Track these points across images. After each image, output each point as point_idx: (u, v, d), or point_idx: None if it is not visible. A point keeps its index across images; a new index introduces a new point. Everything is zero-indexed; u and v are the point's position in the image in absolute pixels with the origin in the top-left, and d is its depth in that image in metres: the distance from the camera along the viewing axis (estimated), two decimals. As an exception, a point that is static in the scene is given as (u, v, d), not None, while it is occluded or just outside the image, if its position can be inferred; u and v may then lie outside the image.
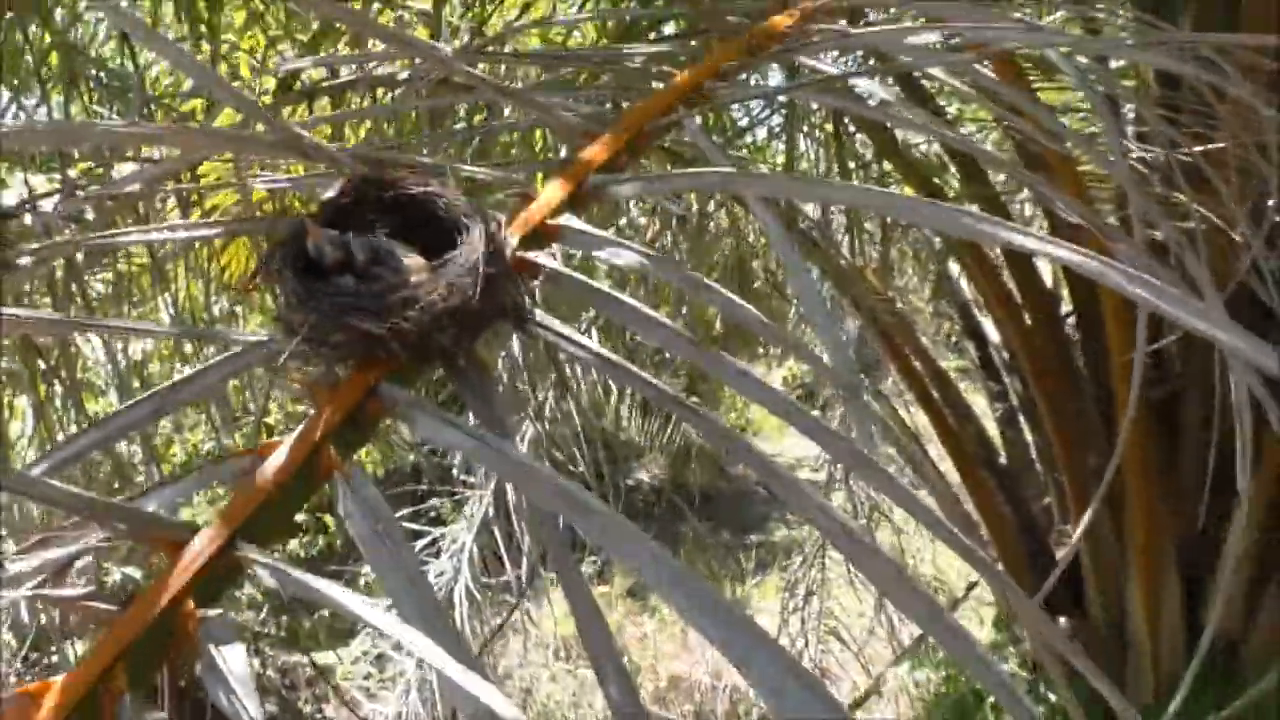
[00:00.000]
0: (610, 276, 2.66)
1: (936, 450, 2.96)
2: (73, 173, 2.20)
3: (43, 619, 0.56)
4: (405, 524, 4.12)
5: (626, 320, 0.65)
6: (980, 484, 2.69)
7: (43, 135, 0.72)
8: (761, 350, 5.94)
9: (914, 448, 3.00)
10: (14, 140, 0.86)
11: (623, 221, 2.80)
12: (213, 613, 0.48)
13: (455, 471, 3.73)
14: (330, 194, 0.68)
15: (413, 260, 0.62)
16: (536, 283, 0.67)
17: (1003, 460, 2.89)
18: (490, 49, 1.54)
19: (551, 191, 0.73)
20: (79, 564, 0.53)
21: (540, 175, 0.77)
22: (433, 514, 4.21)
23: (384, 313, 0.57)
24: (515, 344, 2.98)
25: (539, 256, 0.68)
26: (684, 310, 3.24)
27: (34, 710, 0.45)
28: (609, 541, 0.49)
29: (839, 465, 3.77)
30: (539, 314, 0.64)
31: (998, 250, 2.37)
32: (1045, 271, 2.61)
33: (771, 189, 0.81)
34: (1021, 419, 2.85)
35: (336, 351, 0.58)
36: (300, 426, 0.56)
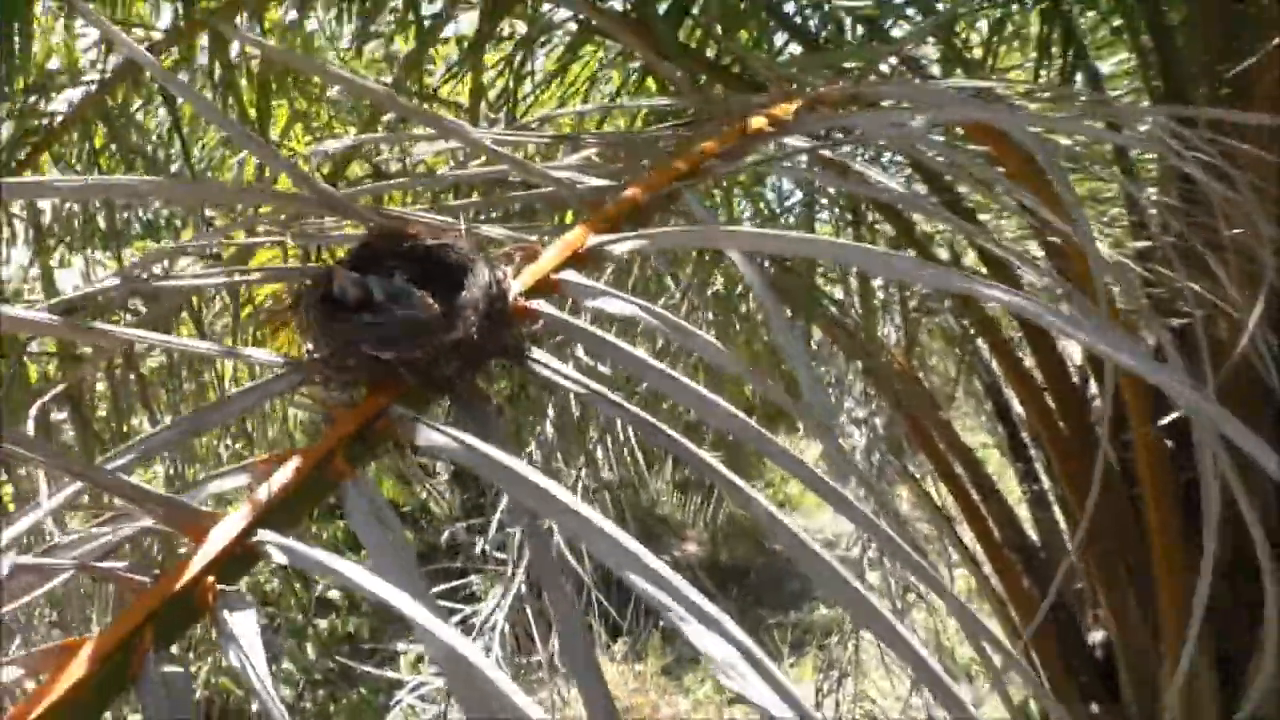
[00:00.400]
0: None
1: (967, 532, 2.94)
2: (129, 252, 2.30)
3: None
4: (440, 601, 4.14)
5: (630, 365, 0.70)
6: (1008, 567, 2.67)
7: (93, 189, 0.76)
8: (800, 427, 5.94)
9: (944, 528, 2.98)
10: (68, 193, 0.91)
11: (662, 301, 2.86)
12: (230, 588, 0.55)
13: (489, 548, 3.76)
14: (356, 244, 0.74)
15: (424, 300, 0.67)
16: (537, 326, 0.72)
17: (1035, 541, 2.86)
18: (517, 134, 1.62)
19: (555, 250, 0.78)
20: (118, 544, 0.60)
21: (545, 238, 0.82)
22: (468, 591, 4.23)
23: (395, 343, 0.64)
24: (549, 426, 3.04)
25: (540, 304, 0.73)
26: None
27: (70, 659, 0.51)
28: (582, 533, 0.53)
29: (872, 545, 3.76)
30: (537, 353, 0.70)
31: (1016, 331, 2.38)
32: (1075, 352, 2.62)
33: (753, 244, 0.84)
34: (1052, 500, 2.82)
35: (352, 376, 0.66)
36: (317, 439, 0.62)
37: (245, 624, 0.52)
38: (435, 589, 4.15)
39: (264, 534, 0.57)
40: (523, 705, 0.44)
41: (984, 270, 2.37)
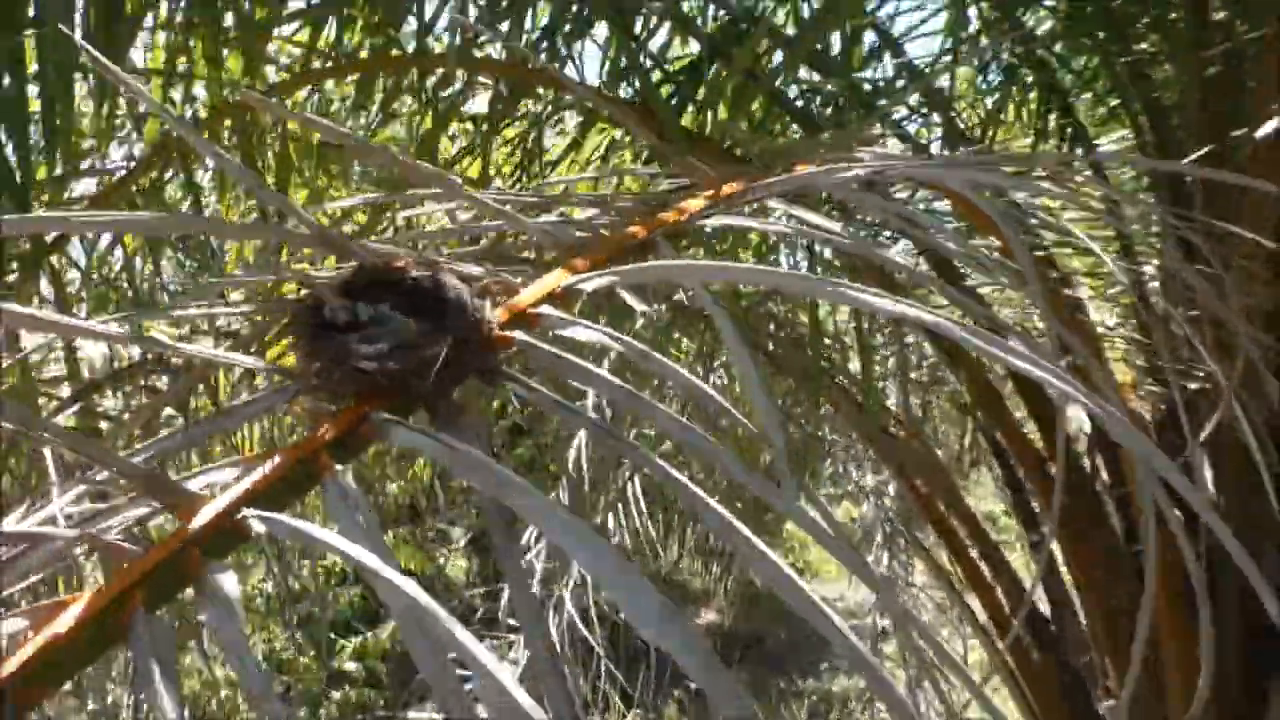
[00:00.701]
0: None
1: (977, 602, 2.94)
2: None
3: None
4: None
5: (599, 387, 0.73)
6: (1016, 638, 2.67)
7: (95, 225, 0.80)
8: (826, 491, 5.95)
9: (956, 598, 2.98)
10: (74, 228, 0.95)
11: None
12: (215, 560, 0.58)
13: (502, 615, 3.78)
14: (346, 275, 0.79)
15: (406, 323, 0.73)
16: (512, 350, 0.78)
17: (1045, 612, 2.86)
18: (514, 194, 1.69)
19: (533, 289, 0.83)
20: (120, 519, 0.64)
21: (523, 280, 0.87)
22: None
23: (376, 358, 0.70)
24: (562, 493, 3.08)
25: (517, 334, 0.78)
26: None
27: (61, 611, 0.55)
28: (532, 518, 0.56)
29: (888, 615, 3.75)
30: (512, 372, 0.75)
31: (1017, 401, 2.41)
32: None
33: (708, 274, 0.88)
34: (1061, 566, 2.83)
35: (338, 388, 0.71)
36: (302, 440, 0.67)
37: (227, 586, 0.56)
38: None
39: (248, 511, 0.61)
40: (478, 652, 0.45)
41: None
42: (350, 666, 5.15)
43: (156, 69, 1.86)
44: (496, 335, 0.77)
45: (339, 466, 0.67)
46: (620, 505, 3.01)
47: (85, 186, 2.04)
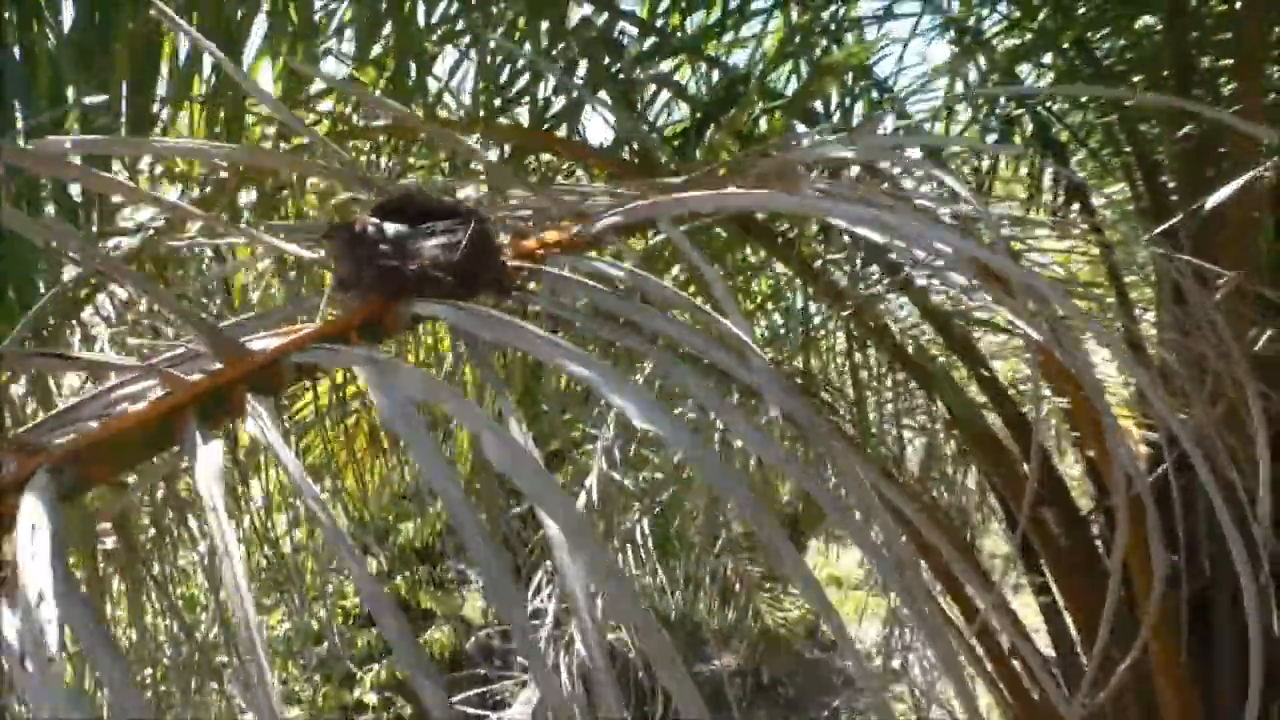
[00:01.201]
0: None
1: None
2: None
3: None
4: (468, 709, 4.19)
5: (612, 306, 0.78)
6: (1020, 681, 2.70)
7: (107, 146, 0.86)
8: (839, 533, 5.96)
9: (962, 642, 3.01)
10: (89, 147, 1.02)
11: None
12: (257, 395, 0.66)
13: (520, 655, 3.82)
14: (378, 204, 0.88)
15: (429, 236, 0.82)
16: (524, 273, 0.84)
17: (1045, 655, 2.89)
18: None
19: (542, 235, 0.90)
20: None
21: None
22: (500, 698, 4.28)
23: (401, 259, 0.78)
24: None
25: (524, 264, 0.84)
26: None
27: (122, 423, 0.64)
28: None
29: (896, 656, 3.77)
30: (522, 284, 0.82)
31: (1013, 447, 2.46)
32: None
33: (705, 204, 0.90)
34: (1063, 608, 2.86)
35: (367, 285, 0.79)
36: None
37: (266, 410, 0.64)
38: (464, 694, 4.21)
39: (287, 362, 0.70)
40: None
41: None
42: (371, 698, 5.20)
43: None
44: (510, 257, 0.85)
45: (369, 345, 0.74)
46: (629, 546, 3.06)
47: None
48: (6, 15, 1.22)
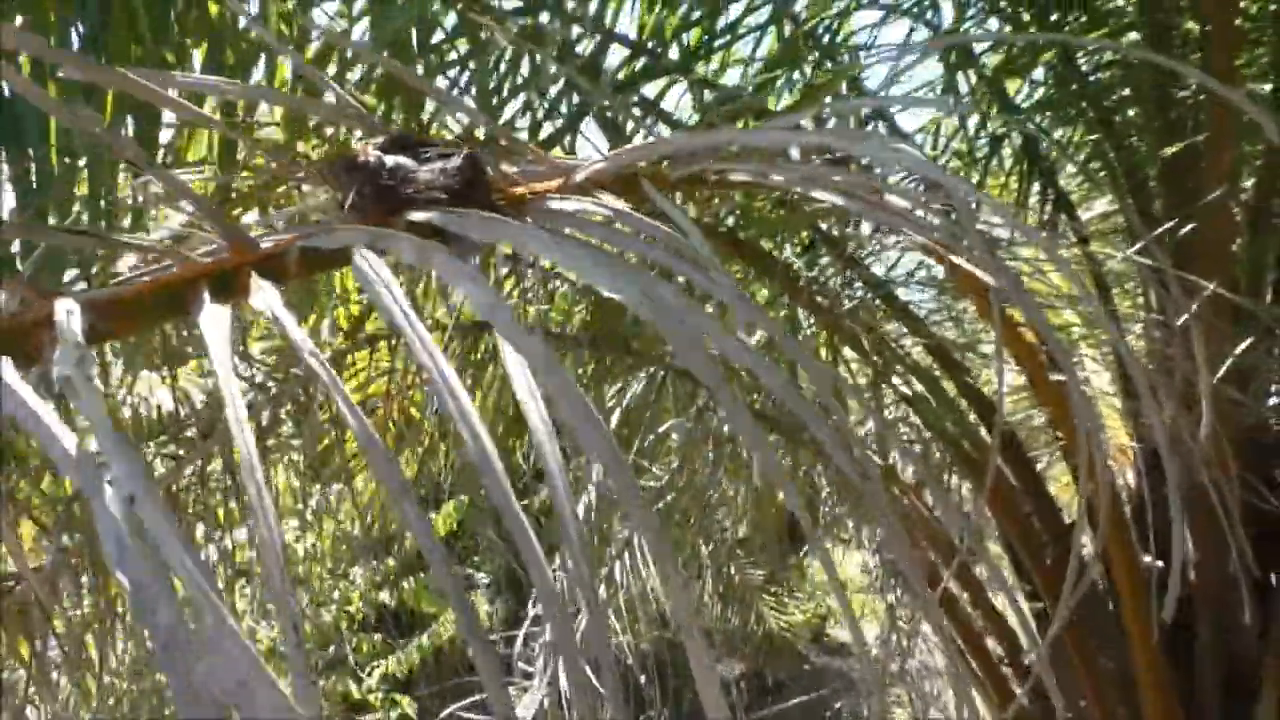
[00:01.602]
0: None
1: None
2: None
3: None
4: (472, 716, 4.23)
5: (597, 234, 0.81)
6: (1015, 695, 2.74)
7: (122, 80, 0.88)
8: (845, 536, 5.99)
9: (956, 655, 3.04)
10: (75, 70, 1.07)
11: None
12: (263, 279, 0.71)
13: (518, 661, 3.87)
14: (379, 142, 0.93)
15: (424, 161, 0.87)
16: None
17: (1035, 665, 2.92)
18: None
19: (531, 184, 0.93)
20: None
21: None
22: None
23: (397, 180, 0.84)
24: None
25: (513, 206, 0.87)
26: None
27: (138, 286, 0.69)
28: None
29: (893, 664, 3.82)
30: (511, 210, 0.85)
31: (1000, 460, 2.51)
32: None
33: (697, 143, 0.95)
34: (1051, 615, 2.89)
35: (368, 201, 0.85)
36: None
37: (270, 295, 0.68)
38: (463, 701, 4.25)
39: (292, 251, 0.76)
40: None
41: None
42: (374, 698, 5.25)
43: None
44: (501, 191, 0.90)
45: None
46: (625, 555, 3.10)
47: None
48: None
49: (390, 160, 0.87)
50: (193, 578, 0.44)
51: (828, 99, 2.20)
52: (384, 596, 5.14)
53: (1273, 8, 2.23)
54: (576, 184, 0.91)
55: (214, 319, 0.65)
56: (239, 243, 0.75)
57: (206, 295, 0.69)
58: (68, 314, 0.61)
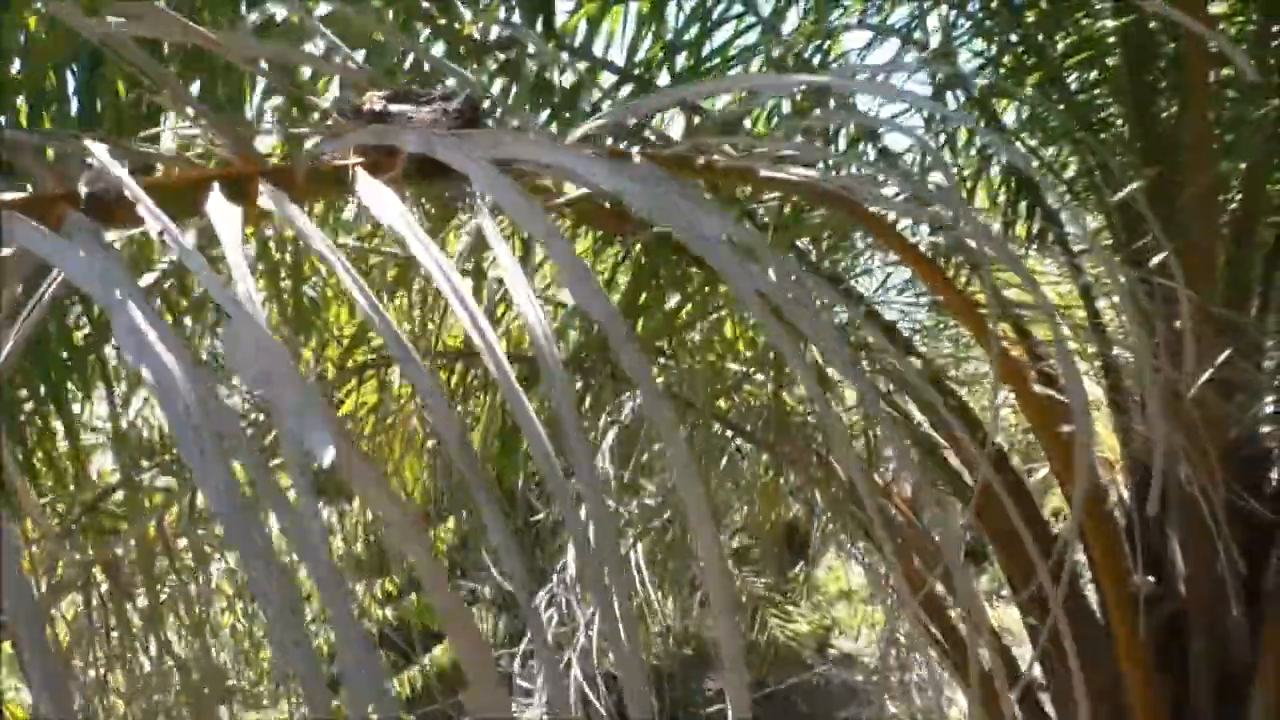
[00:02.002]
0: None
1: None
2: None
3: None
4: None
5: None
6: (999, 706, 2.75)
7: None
8: (847, 547, 6.01)
9: (949, 666, 3.06)
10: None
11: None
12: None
13: (515, 679, 3.89)
14: (384, 94, 0.96)
15: (427, 103, 0.91)
16: None
17: (1040, 681, 2.93)
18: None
19: None
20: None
21: None
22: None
23: (401, 123, 0.87)
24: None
25: None
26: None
27: (150, 180, 0.72)
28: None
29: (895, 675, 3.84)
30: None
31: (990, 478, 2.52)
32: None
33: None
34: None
35: (370, 147, 0.86)
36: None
37: (279, 198, 0.70)
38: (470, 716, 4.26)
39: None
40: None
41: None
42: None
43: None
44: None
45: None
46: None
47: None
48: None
49: (395, 108, 0.92)
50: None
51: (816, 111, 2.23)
52: (387, 613, 5.17)
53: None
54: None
55: (224, 210, 0.67)
56: (247, 154, 0.79)
57: (217, 192, 0.71)
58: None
